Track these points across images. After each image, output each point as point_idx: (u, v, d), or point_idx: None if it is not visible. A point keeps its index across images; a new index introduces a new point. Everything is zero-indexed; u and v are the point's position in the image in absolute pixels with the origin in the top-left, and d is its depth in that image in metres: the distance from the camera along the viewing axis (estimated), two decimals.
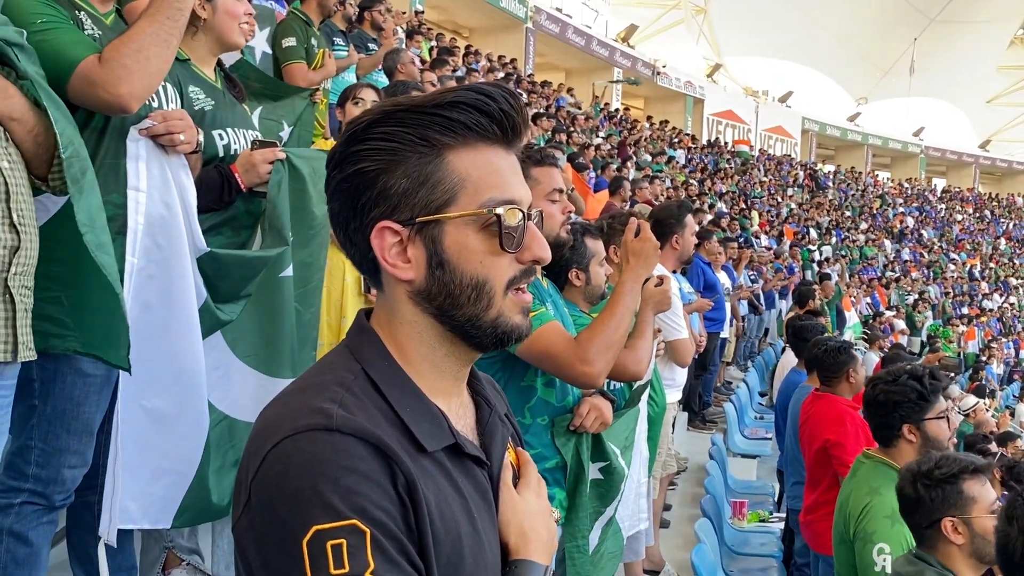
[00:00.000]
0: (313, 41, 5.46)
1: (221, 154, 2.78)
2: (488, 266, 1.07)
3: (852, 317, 13.11)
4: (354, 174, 1.06)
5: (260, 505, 0.96)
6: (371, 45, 7.33)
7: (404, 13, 13.99)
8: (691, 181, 19.41)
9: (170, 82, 2.59)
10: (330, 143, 4.25)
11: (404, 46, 10.03)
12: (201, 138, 2.57)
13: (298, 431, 0.97)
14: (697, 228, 4.99)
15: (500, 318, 1.09)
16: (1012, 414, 16.53)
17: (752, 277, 11.52)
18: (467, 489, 1.08)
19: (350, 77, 6.45)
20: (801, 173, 31.58)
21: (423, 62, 10.34)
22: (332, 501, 0.93)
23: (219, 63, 2.96)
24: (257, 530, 0.96)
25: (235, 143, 2.82)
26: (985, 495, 2.46)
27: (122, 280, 2.25)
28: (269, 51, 5.39)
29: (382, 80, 6.88)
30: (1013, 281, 30.43)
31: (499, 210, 1.06)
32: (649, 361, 2.92)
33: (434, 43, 15.07)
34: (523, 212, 1.09)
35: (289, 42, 5.27)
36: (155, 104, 2.50)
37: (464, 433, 1.12)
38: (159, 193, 2.38)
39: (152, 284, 2.39)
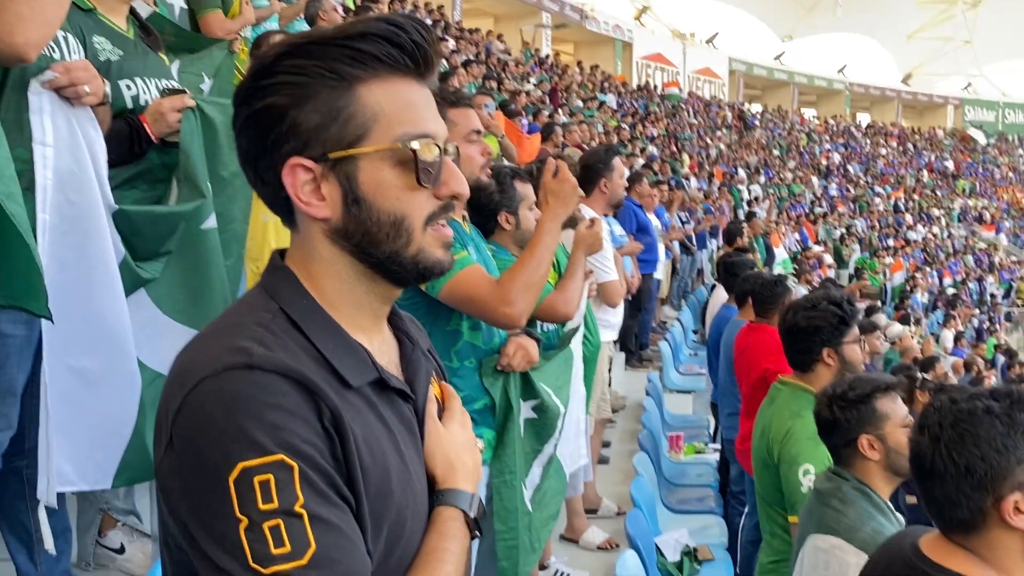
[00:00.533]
0: None
1: (130, 105, 2.68)
2: (405, 202, 1.06)
3: (781, 253, 13.40)
4: (262, 109, 1.03)
5: (183, 446, 0.95)
6: None
7: None
8: (623, 125, 19.47)
9: (72, 33, 2.50)
10: None
11: None
12: (108, 90, 2.49)
13: (218, 371, 0.95)
14: (626, 171, 5.02)
15: (421, 253, 1.08)
16: (936, 340, 17.16)
17: (684, 218, 11.66)
18: (393, 422, 1.09)
19: (273, 27, 6.29)
20: (729, 114, 31.89)
21: (347, 10, 10.11)
22: (257, 437, 0.92)
23: (133, 11, 2.86)
24: (181, 471, 0.95)
25: (145, 93, 2.73)
26: (897, 411, 2.56)
27: (35, 237, 2.19)
28: (186, 5, 5.21)
29: (303, 28, 6.73)
30: (936, 212, 31.34)
31: (414, 144, 1.04)
32: (579, 303, 2.96)
33: None
34: (439, 147, 1.07)
35: None
36: (56, 56, 2.40)
37: (388, 368, 1.12)
38: (67, 148, 2.30)
39: (67, 241, 2.32)
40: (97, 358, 2.43)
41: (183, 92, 2.74)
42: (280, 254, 1.13)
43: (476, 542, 2.61)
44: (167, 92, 2.74)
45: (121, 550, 3.10)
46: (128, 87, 2.69)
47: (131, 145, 2.64)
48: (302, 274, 1.09)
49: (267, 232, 3.78)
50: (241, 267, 3.09)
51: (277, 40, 1.05)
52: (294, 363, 0.98)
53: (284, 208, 1.09)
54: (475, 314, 2.58)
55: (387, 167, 1.05)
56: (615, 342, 5.61)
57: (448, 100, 2.68)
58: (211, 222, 2.75)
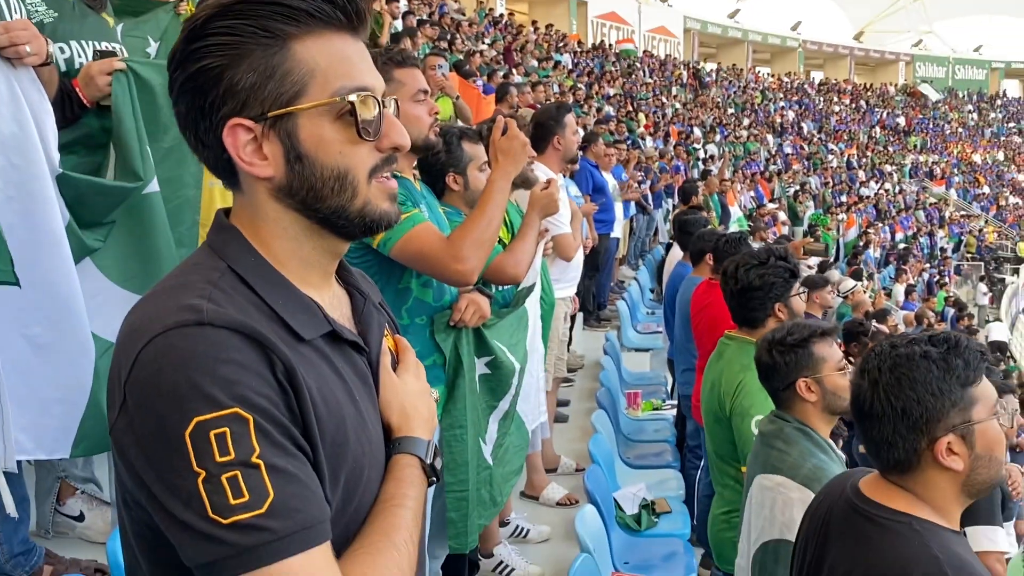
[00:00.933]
0: None
1: (63, 68, 2.62)
2: (348, 155, 1.06)
3: (735, 211, 13.51)
4: (197, 72, 1.03)
5: (137, 405, 0.96)
6: None
7: None
8: (578, 85, 19.40)
9: None
10: None
11: None
12: (52, 49, 2.43)
13: (168, 328, 0.96)
14: (578, 128, 5.02)
15: (367, 206, 1.09)
16: (889, 295, 17.50)
17: (640, 178, 11.70)
18: (348, 374, 1.11)
19: None
20: (684, 73, 31.92)
21: None
22: (211, 392, 0.93)
23: None
24: (136, 430, 0.96)
25: (80, 56, 2.66)
26: (832, 355, 2.67)
27: None
28: None
29: None
30: (888, 168, 31.78)
31: (352, 97, 1.05)
32: (528, 265, 2.97)
33: None
34: (377, 99, 1.08)
35: None
36: None
37: (341, 322, 1.13)
38: (8, 110, 2.25)
39: (12, 206, 2.28)
40: (50, 326, 2.40)
41: (113, 55, 2.68)
42: (225, 213, 1.14)
43: (431, 490, 2.64)
44: (98, 55, 2.67)
45: (80, 518, 3.09)
46: (62, 50, 2.63)
47: (63, 109, 2.57)
48: (249, 234, 1.10)
49: (213, 197, 3.76)
50: (196, 233, 3.06)
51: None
52: (245, 318, 0.99)
53: (227, 170, 1.09)
54: (426, 271, 2.59)
55: (327, 122, 1.05)
56: (572, 299, 5.63)
57: (395, 60, 2.67)
58: (153, 186, 2.70)
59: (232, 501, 0.92)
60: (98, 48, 2.74)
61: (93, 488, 3.16)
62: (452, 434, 2.79)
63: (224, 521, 0.92)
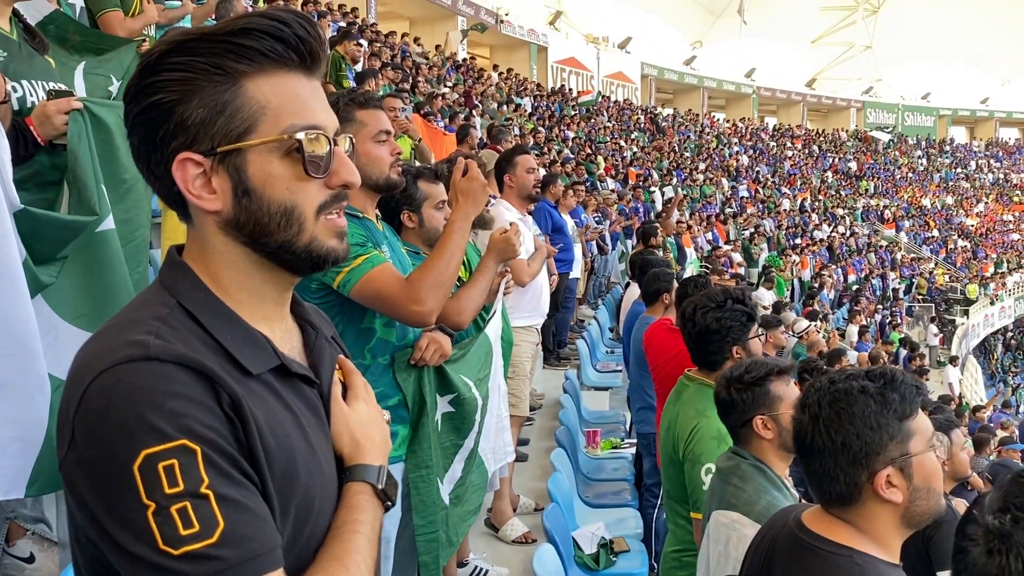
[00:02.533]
0: None
1: (16, 107, 2.63)
2: (296, 192, 1.08)
3: (691, 253, 13.70)
4: (150, 106, 1.05)
5: (86, 440, 0.97)
6: None
7: None
8: (538, 128, 19.63)
9: None
10: None
11: None
12: (9, 87, 2.44)
13: (116, 363, 0.97)
14: (532, 166, 5.15)
15: (314, 243, 1.11)
16: (842, 335, 17.75)
17: (598, 219, 11.84)
18: (298, 407, 1.12)
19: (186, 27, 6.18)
20: (642, 117, 32.42)
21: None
22: (158, 424, 0.94)
23: (16, 13, 2.81)
24: (86, 464, 0.97)
25: (31, 95, 2.67)
26: (789, 393, 2.70)
27: None
28: (85, 5, 5.09)
29: None
30: (840, 212, 32.39)
31: (300, 135, 1.07)
32: (475, 312, 2.97)
33: None
34: (328, 137, 1.10)
35: None
36: None
37: (291, 356, 1.15)
38: None
39: None
40: (5, 363, 2.36)
41: (70, 94, 2.70)
42: (178, 249, 1.16)
43: (394, 527, 2.62)
44: (53, 94, 2.69)
45: (31, 559, 3.04)
46: (14, 89, 2.64)
47: (16, 147, 2.57)
48: (200, 266, 1.11)
49: (176, 237, 3.75)
50: (146, 279, 3.04)
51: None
52: (191, 352, 1.00)
53: (178, 202, 1.11)
54: (386, 312, 2.61)
55: (275, 159, 1.07)
56: (537, 330, 5.67)
57: (357, 101, 2.70)
58: (108, 224, 2.69)
59: (183, 532, 0.93)
60: (50, 88, 2.75)
61: (43, 528, 3.11)
62: (419, 475, 2.78)
63: (175, 552, 0.93)
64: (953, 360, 20.96)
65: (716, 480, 2.72)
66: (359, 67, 10.78)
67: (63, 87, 2.82)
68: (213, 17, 6.65)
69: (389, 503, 1.21)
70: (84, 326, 2.67)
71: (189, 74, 1.05)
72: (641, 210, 16.23)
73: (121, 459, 0.94)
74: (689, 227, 15.70)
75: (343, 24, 16.09)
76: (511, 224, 3.08)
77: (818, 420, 1.75)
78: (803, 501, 2.49)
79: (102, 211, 2.66)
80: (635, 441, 6.30)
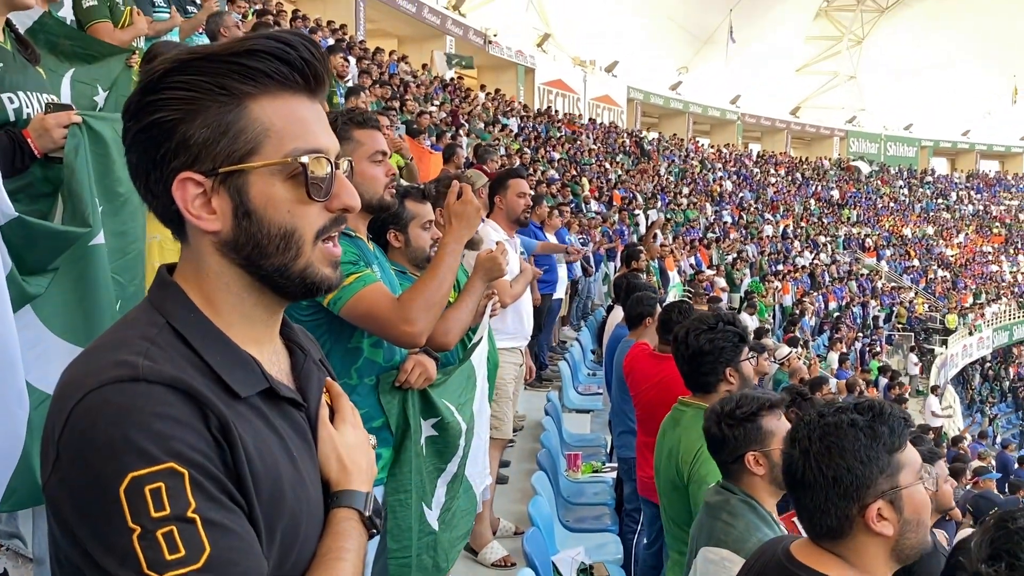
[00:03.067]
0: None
1: (12, 118, 2.62)
2: (296, 215, 1.08)
3: (674, 277, 13.75)
4: (151, 124, 1.04)
5: (71, 461, 0.95)
6: (190, 8, 7.03)
7: None
8: (524, 149, 19.69)
9: None
10: None
11: (226, 9, 9.65)
12: (5, 98, 2.43)
13: (103, 383, 0.96)
14: (524, 190, 5.16)
15: (309, 268, 1.10)
16: (823, 362, 17.85)
17: (582, 240, 11.87)
18: (285, 430, 1.11)
19: (172, 39, 6.16)
20: (628, 140, 32.59)
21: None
22: (146, 447, 0.93)
23: (9, 23, 2.80)
24: (70, 486, 0.95)
25: (27, 107, 2.66)
26: (781, 428, 2.67)
27: None
28: (74, 16, 5.07)
29: (204, 43, 6.62)
30: (822, 239, 32.63)
31: (304, 159, 1.06)
32: (460, 333, 2.96)
33: (259, 6, 14.56)
34: (330, 161, 1.09)
35: (89, 1, 4.96)
36: None
37: (279, 378, 1.14)
38: None
39: None
40: None
41: (69, 108, 2.68)
42: (168, 269, 1.14)
43: (372, 550, 2.58)
44: (52, 107, 2.67)
45: (4, 575, 2.98)
46: (11, 100, 2.62)
47: (12, 159, 2.57)
48: (192, 287, 1.10)
49: (151, 252, 3.72)
50: (143, 291, 3.02)
51: (166, 55, 1.06)
52: (180, 374, 0.99)
53: (175, 221, 1.10)
54: (375, 332, 2.59)
55: (278, 181, 1.07)
56: (522, 351, 5.65)
57: (355, 121, 2.70)
58: (99, 239, 2.68)
59: (168, 557, 0.92)
60: (47, 100, 2.74)
61: (17, 544, 3.05)
62: (396, 499, 2.75)
63: None
64: (935, 390, 21.10)
65: (704, 515, 2.69)
66: (350, 83, 10.79)
67: (61, 100, 2.80)
68: (202, 31, 6.64)
69: (375, 531, 1.20)
70: (73, 340, 2.64)
71: (193, 93, 1.04)
72: (625, 232, 16.28)
73: (107, 481, 0.93)
74: (672, 251, 15.77)
75: (331, 41, 16.13)
76: (497, 244, 3.07)
77: (808, 454, 1.75)
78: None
79: (95, 224, 2.65)
80: (616, 465, 6.28)
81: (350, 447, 1.22)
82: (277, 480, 1.05)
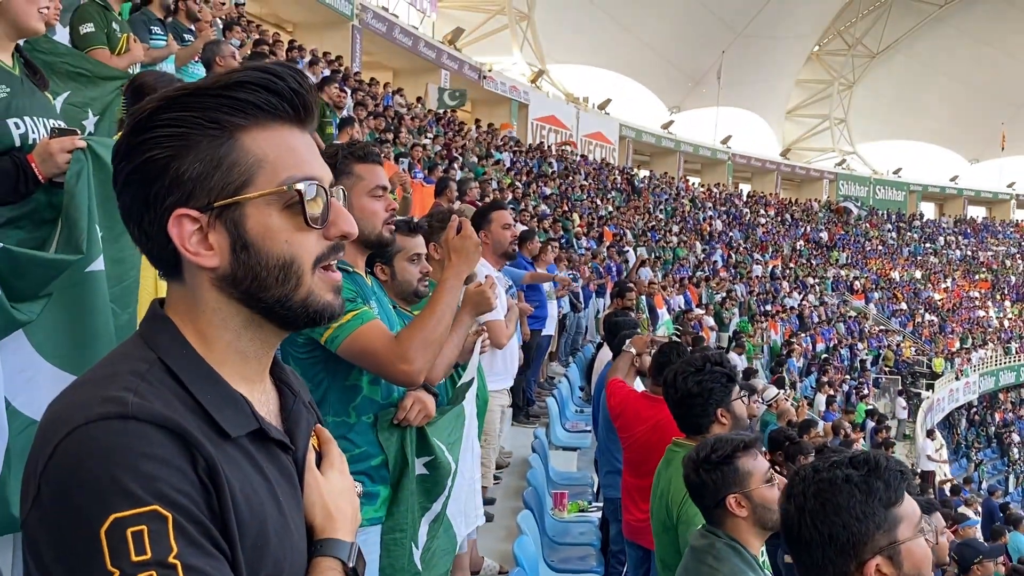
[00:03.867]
0: (115, 26, 5.18)
1: (18, 143, 2.61)
2: (294, 244, 1.07)
3: (663, 315, 13.73)
4: (143, 163, 1.03)
5: (53, 497, 0.93)
6: (187, 36, 7.05)
7: (224, 4, 13.49)
8: (516, 183, 19.76)
9: None
10: None
11: (223, 38, 9.69)
12: (12, 124, 2.42)
13: (91, 420, 0.94)
14: (508, 222, 5.11)
15: (311, 297, 1.09)
16: (811, 404, 17.83)
17: (572, 276, 11.86)
18: (272, 474, 1.09)
19: (168, 68, 6.18)
20: (619, 177, 32.78)
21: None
22: (130, 488, 0.91)
23: (19, 49, 2.80)
24: (50, 523, 0.93)
25: (33, 132, 2.66)
26: (758, 467, 2.67)
27: None
28: (71, 43, 5.08)
29: (199, 72, 6.64)
30: (811, 280, 32.78)
31: (300, 186, 1.05)
32: (447, 368, 2.93)
33: (256, 36, 14.64)
34: (325, 189, 1.09)
35: (87, 28, 4.98)
36: None
37: (268, 419, 1.12)
38: None
39: None
40: None
41: (74, 133, 2.67)
42: (161, 303, 1.12)
43: None
44: (56, 132, 2.66)
45: None
46: (16, 125, 2.62)
47: (16, 184, 2.56)
48: (185, 322, 1.08)
49: (147, 279, 3.68)
50: (135, 321, 2.99)
51: (152, 94, 1.05)
52: (169, 413, 0.97)
53: (168, 262, 1.08)
54: (372, 370, 2.55)
55: (274, 211, 1.05)
56: (508, 392, 5.61)
57: (355, 155, 2.68)
58: (97, 265, 2.66)
59: None
60: (52, 125, 2.73)
61: None
62: (392, 538, 2.70)
63: None
64: (930, 434, 21.12)
65: (689, 558, 2.66)
66: (344, 113, 10.82)
67: (60, 124, 2.80)
68: (198, 59, 6.65)
69: None
70: (64, 366, 2.60)
71: (184, 129, 1.03)
72: (614, 269, 16.30)
73: (88, 521, 0.90)
74: (664, 287, 15.78)
75: (328, 72, 16.23)
76: (487, 277, 3.05)
77: (804, 511, 1.72)
78: None
79: (91, 251, 2.61)
80: (602, 505, 6.22)
81: (336, 494, 1.20)
82: (262, 525, 1.03)
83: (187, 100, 1.03)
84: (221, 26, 11.22)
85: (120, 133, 1.05)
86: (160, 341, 1.06)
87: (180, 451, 0.96)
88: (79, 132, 2.73)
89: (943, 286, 39.95)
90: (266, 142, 1.06)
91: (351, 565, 1.16)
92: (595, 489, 7.06)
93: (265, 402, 1.15)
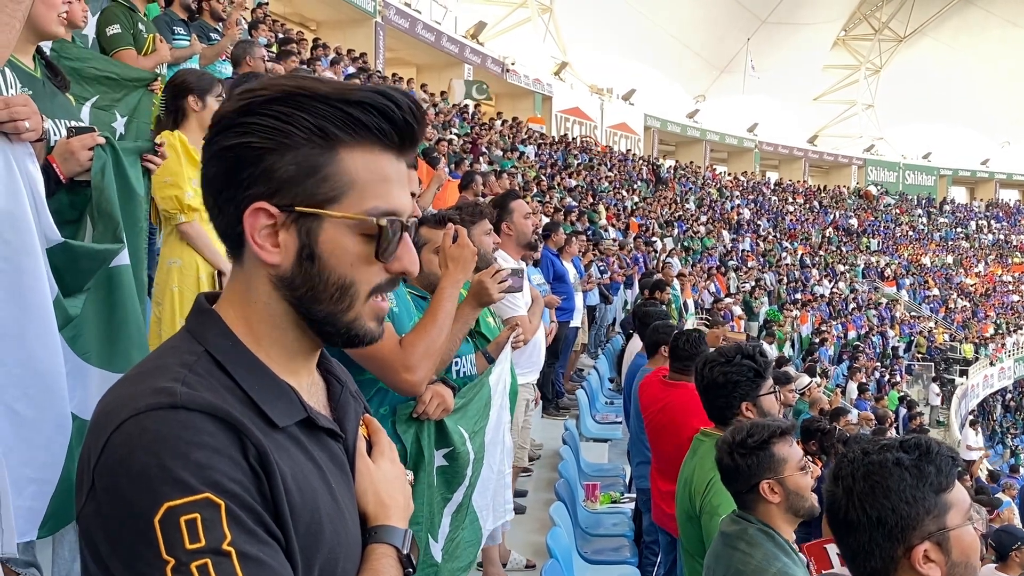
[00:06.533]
0: (140, 27, 5.23)
1: None
2: (358, 270, 1.07)
3: (691, 305, 13.67)
4: (240, 145, 1.03)
5: (106, 489, 0.94)
6: (213, 36, 7.09)
7: (246, 7, 13.56)
8: (541, 176, 19.73)
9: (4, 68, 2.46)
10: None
11: (249, 38, 9.74)
12: (48, 125, 2.45)
13: (140, 411, 0.95)
14: (528, 211, 5.05)
15: (356, 321, 1.09)
16: (843, 392, 17.67)
17: (601, 268, 11.83)
18: (324, 461, 1.09)
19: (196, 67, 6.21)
20: (644, 168, 32.63)
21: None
22: (182, 476, 0.91)
23: (39, 51, 2.82)
24: (104, 515, 0.94)
25: (55, 134, 2.69)
26: (793, 455, 2.67)
27: None
28: (98, 44, 5.13)
29: (226, 70, 6.68)
30: (840, 268, 32.47)
31: (383, 221, 1.06)
32: (442, 366, 2.93)
33: (280, 35, 14.71)
34: (403, 223, 1.09)
35: (114, 29, 5.03)
36: None
37: (317, 409, 1.12)
38: (4, 185, 2.25)
39: (1, 280, 2.25)
40: (29, 403, 2.36)
41: (92, 130, 2.70)
42: (206, 297, 1.13)
43: None
44: (74, 131, 2.69)
45: None
46: None
47: None
48: (236, 311, 1.09)
49: (171, 276, 3.71)
50: (146, 320, 3.03)
51: (270, 81, 1.05)
52: (218, 401, 0.98)
53: (234, 240, 1.08)
54: (376, 374, 2.59)
55: (350, 234, 1.05)
56: (534, 385, 5.60)
57: (429, 221, 2.90)
58: (122, 259, 2.69)
59: None
60: (71, 125, 2.75)
61: (34, 573, 3.01)
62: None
63: None
64: (973, 424, 20.86)
65: (720, 544, 2.65)
66: None
67: (82, 124, 2.83)
68: (225, 57, 6.68)
69: (411, 570, 1.18)
70: (93, 361, 2.66)
71: (291, 127, 1.03)
72: (641, 260, 16.24)
73: (142, 511, 0.91)
74: (692, 276, 15.70)
75: (352, 70, 16.26)
76: (490, 266, 3.05)
77: (852, 494, 1.69)
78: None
79: (124, 243, 2.68)
80: (634, 496, 6.20)
81: (388, 482, 1.21)
82: (315, 512, 1.03)
83: (303, 101, 1.03)
84: (247, 26, 11.28)
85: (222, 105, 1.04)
86: (207, 334, 1.07)
87: (230, 439, 0.96)
88: (96, 129, 2.75)
89: (975, 271, 39.41)
90: (363, 165, 1.05)
91: (405, 552, 1.17)
92: (627, 480, 7.04)
93: (313, 393, 1.15)
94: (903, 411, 18.94)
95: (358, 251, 1.06)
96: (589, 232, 14.06)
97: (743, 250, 27.91)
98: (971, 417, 22.16)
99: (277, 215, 1.04)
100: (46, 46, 3.10)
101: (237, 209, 1.05)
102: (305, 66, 11.96)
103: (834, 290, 27.96)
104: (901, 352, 27.66)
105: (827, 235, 36.41)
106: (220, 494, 0.93)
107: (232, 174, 1.04)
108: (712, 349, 3.66)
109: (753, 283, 21.71)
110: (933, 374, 26.41)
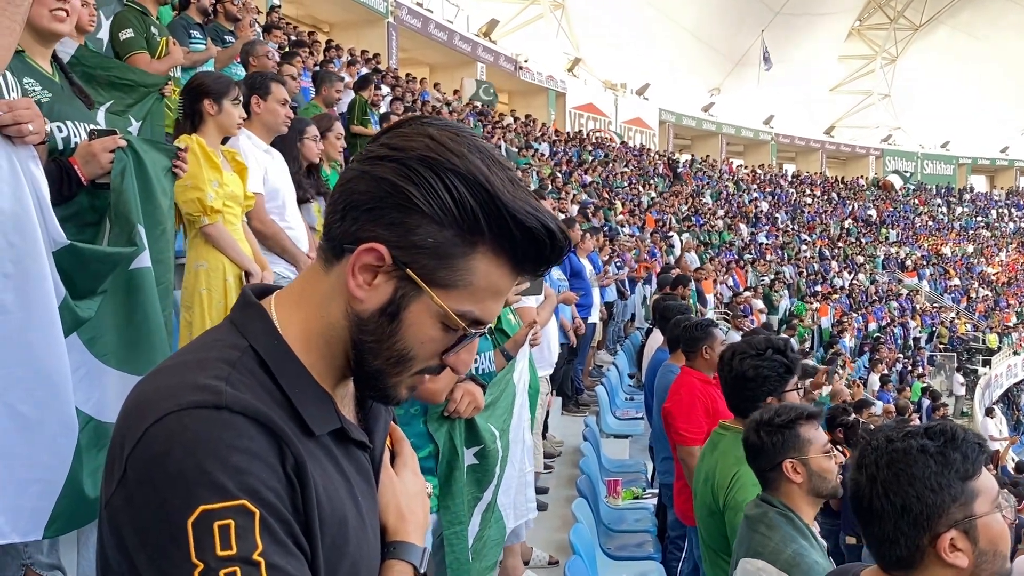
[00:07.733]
0: (153, 30, 5.25)
1: (61, 147, 2.66)
2: (423, 350, 1.06)
3: (711, 299, 13.60)
4: (400, 189, 1.00)
5: (140, 482, 0.92)
6: (228, 38, 7.13)
7: (259, 12, 13.61)
8: (556, 173, 19.70)
9: (8, 71, 2.47)
10: None
11: (262, 39, 9.78)
12: (54, 127, 2.46)
13: (183, 407, 0.93)
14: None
15: (397, 387, 1.09)
16: (864, 384, 17.54)
17: (618, 264, 11.80)
18: (351, 473, 1.08)
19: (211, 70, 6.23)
20: (660, 163, 32.51)
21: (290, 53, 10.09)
22: (221, 480, 0.90)
23: (55, 56, 2.84)
24: (136, 508, 0.92)
25: (75, 136, 2.70)
26: (818, 437, 2.70)
27: None
28: (112, 48, 5.16)
29: (239, 72, 6.70)
30: (860, 259, 32.23)
31: (473, 330, 1.06)
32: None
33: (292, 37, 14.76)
34: (481, 332, 1.10)
35: (127, 34, 5.06)
36: None
37: (349, 418, 1.12)
38: (9, 187, 2.25)
39: (7, 284, 2.27)
40: (33, 404, 2.36)
41: (113, 132, 2.71)
42: (253, 291, 1.12)
43: None
44: (95, 133, 2.70)
45: None
46: (59, 129, 2.67)
47: (60, 187, 2.61)
48: (297, 312, 1.07)
49: (198, 279, 3.71)
50: (169, 322, 3.02)
51: (471, 159, 1.02)
52: (262, 406, 0.96)
53: (336, 249, 1.06)
54: None
55: (435, 319, 1.05)
56: (548, 380, 5.59)
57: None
58: (143, 260, 2.70)
59: None
60: (92, 127, 2.77)
61: (58, 575, 3.03)
62: (453, 531, 2.71)
63: None
64: (990, 412, 20.66)
65: (744, 527, 2.68)
66: (383, 109, 10.88)
67: (104, 126, 2.84)
68: (237, 59, 6.70)
69: None
70: (113, 364, 2.67)
71: (456, 211, 1.00)
72: (658, 254, 16.18)
73: (175, 511, 0.90)
74: (712, 270, 15.62)
75: (366, 71, 16.30)
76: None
77: (876, 481, 1.66)
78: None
79: (140, 246, 2.68)
80: (656, 491, 6.17)
81: (410, 495, 1.20)
82: (342, 524, 1.03)
83: (484, 196, 1.01)
84: (259, 28, 11.33)
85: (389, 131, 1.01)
86: (251, 328, 1.05)
87: (271, 446, 0.95)
88: (118, 131, 2.76)
89: (997, 260, 39.02)
90: (487, 271, 1.04)
91: (423, 571, 1.16)
92: (649, 476, 7.02)
93: (346, 402, 1.15)
94: (926, 402, 18.78)
95: (433, 335, 1.06)
96: (606, 228, 14.03)
97: (761, 243, 27.76)
98: (987, 406, 21.92)
99: (388, 264, 1.02)
100: (65, 54, 3.11)
101: (360, 233, 1.02)
102: (319, 68, 12.00)
103: (854, 282, 27.74)
104: (923, 343, 27.43)
105: (846, 227, 36.15)
106: (256, 502, 0.92)
107: (377, 206, 1.01)
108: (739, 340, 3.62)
109: (772, 276, 21.58)
110: (956, 364, 26.17)
